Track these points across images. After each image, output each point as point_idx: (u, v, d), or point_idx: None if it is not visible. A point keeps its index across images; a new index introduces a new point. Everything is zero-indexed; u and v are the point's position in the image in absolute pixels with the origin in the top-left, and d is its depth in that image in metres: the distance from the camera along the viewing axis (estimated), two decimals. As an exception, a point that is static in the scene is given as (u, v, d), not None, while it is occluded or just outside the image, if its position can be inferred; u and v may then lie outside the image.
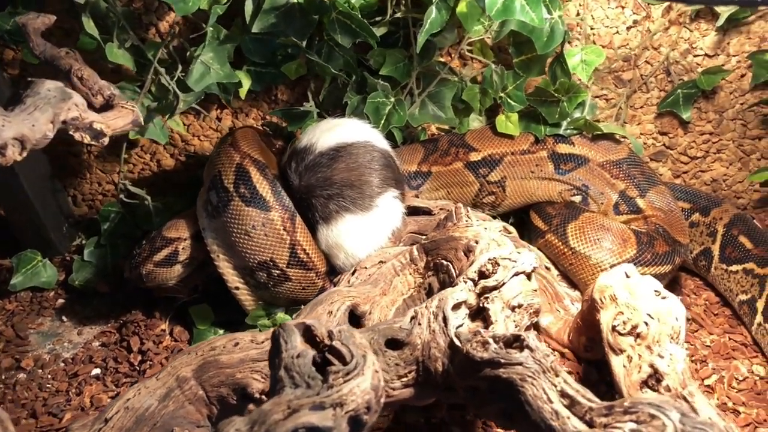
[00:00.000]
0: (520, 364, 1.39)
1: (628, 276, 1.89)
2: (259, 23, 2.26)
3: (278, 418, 1.17)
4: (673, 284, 2.67)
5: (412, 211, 2.44)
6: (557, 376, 1.39)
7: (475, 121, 2.65)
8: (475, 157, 2.56)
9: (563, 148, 2.52)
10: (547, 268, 2.48)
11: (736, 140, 2.74)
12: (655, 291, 1.79)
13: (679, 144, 2.75)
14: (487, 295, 1.84)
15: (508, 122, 2.51)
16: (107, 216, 2.64)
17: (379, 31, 2.27)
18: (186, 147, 2.78)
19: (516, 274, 1.87)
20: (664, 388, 1.62)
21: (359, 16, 2.21)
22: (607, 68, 2.59)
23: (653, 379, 1.64)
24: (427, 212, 2.45)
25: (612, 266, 2.33)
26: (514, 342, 1.46)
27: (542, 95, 2.43)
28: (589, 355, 2.20)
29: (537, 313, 1.91)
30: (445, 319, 1.64)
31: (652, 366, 1.65)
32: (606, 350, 1.79)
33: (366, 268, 2.25)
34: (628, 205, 2.48)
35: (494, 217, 2.66)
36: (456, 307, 1.84)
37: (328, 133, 2.28)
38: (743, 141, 2.75)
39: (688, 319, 2.51)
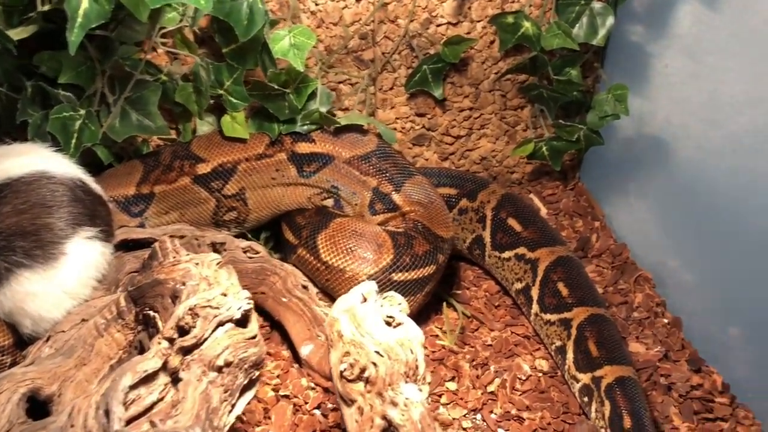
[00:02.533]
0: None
1: (365, 299, 1.57)
2: None
3: None
4: (451, 277, 2.42)
5: (132, 245, 2.00)
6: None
7: (204, 125, 2.23)
8: (203, 169, 2.15)
9: (303, 148, 2.17)
10: (305, 287, 2.13)
11: (497, 113, 2.53)
12: (388, 317, 1.48)
13: (440, 124, 2.50)
14: (188, 357, 1.45)
15: (235, 123, 2.11)
16: None
17: (31, 30, 1.77)
18: None
19: (220, 324, 1.49)
20: (400, 443, 1.31)
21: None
22: (344, 49, 2.26)
23: (389, 434, 1.33)
24: (153, 242, 2.01)
25: (369, 277, 2.02)
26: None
27: (263, 89, 2.05)
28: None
29: (258, 365, 1.53)
30: (107, 412, 1.23)
31: (384, 418, 1.33)
32: (338, 401, 1.46)
33: (64, 331, 1.79)
34: (383, 202, 2.18)
35: (243, 236, 2.27)
36: (149, 379, 1.43)
37: (-14, 168, 1.77)
38: (505, 113, 2.54)
39: (468, 317, 2.27)
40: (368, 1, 2.21)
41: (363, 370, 1.39)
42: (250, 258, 2.13)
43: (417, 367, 1.43)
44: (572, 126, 2.44)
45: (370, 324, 1.45)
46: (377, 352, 1.40)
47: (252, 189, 2.19)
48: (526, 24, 2.22)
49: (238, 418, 1.68)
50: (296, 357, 2.09)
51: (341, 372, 1.42)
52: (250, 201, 2.20)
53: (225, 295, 1.53)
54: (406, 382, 1.39)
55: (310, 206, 2.23)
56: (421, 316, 2.24)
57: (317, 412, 1.95)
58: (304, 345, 2.06)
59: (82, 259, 1.81)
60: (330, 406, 1.96)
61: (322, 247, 2.07)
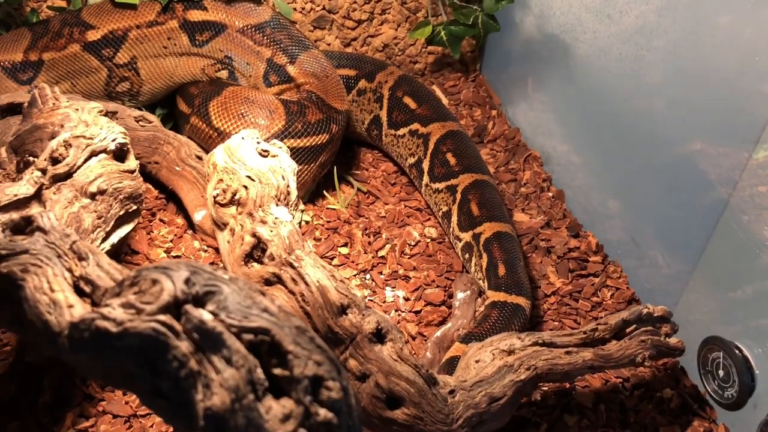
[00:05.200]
0: (26, 251, 1.04)
1: (242, 140, 1.60)
2: None
3: None
4: (351, 159, 2.48)
5: (18, 110, 1.96)
6: (82, 259, 1.05)
7: (95, -5, 2.19)
8: (93, 36, 2.12)
9: (195, 15, 2.16)
10: (198, 158, 2.14)
11: (398, -2, 2.56)
12: (263, 151, 1.52)
13: (341, 6, 2.51)
14: (58, 184, 1.46)
15: (124, -12, 2.08)
16: None
17: None
18: None
19: (93, 154, 1.51)
20: (268, 257, 1.37)
21: None
22: None
23: (258, 250, 1.38)
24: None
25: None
26: (27, 227, 1.10)
27: (150, -52, 2.02)
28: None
29: (135, 198, 1.56)
30: (-30, 221, 1.24)
31: (254, 235, 1.38)
32: (212, 228, 1.50)
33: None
34: (277, 74, 2.20)
35: (139, 109, 2.26)
36: (20, 205, 1.44)
37: None
38: (405, -2, 2.58)
39: (364, 192, 2.34)
40: None
41: (234, 194, 1.44)
42: (143, 126, 2.12)
43: (289, 194, 1.49)
44: (468, 8, 2.49)
45: (243, 153, 1.49)
46: (248, 176, 1.45)
47: (144, 58, 2.17)
48: None
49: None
50: (190, 224, 2.12)
51: (215, 198, 1.45)
52: (143, 71, 2.19)
53: (101, 129, 1.54)
54: (277, 205, 1.44)
55: (204, 78, 2.23)
56: (318, 189, 2.29)
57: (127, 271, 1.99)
58: (197, 211, 2.09)
59: (-39, 113, 1.78)
60: (220, 265, 2.00)
61: (214, 113, 2.09)
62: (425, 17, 2.62)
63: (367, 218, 2.26)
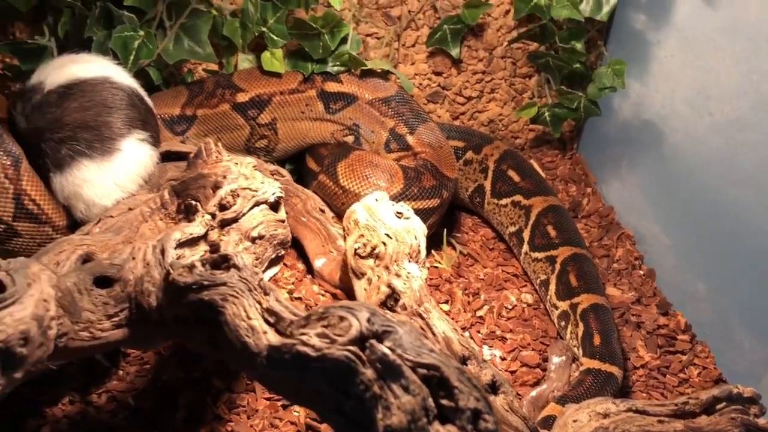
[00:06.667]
0: (224, 284, 1.27)
1: (377, 201, 1.83)
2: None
3: None
4: (452, 223, 2.68)
5: (174, 157, 2.25)
6: (266, 294, 1.28)
7: (245, 62, 2.49)
8: (242, 98, 2.41)
9: (332, 87, 2.43)
10: (322, 211, 2.39)
11: (507, 79, 2.79)
12: (398, 213, 1.74)
13: (454, 84, 2.76)
14: (226, 228, 1.71)
15: (274, 59, 2.38)
16: None
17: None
18: None
19: (257, 204, 1.76)
20: (401, 307, 1.57)
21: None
22: (375, 4, 2.53)
23: (391, 300, 1.59)
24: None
25: (381, 203, 2.28)
26: (223, 263, 1.33)
27: (303, 28, 2.32)
28: (358, 293, 2.14)
29: (284, 244, 1.80)
30: (163, 251, 1.49)
31: (389, 286, 1.59)
32: (350, 276, 1.72)
33: (112, 216, 2.03)
34: (398, 142, 2.44)
35: (273, 164, 2.53)
36: (192, 243, 1.70)
37: (59, 70, 2.02)
38: (514, 80, 2.80)
39: (465, 254, 2.52)
40: (400, -37, 2.48)
41: (374, 248, 1.65)
42: (276, 180, 2.38)
43: (419, 252, 1.69)
44: (573, 94, 2.70)
45: (382, 214, 1.71)
46: (387, 234, 1.66)
47: (283, 120, 2.45)
48: (539, -5, 2.49)
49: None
50: (310, 269, 2.35)
51: (355, 250, 1.67)
52: (281, 131, 2.47)
53: (262, 183, 1.79)
54: (409, 261, 1.65)
55: (332, 141, 2.49)
56: (422, 248, 2.50)
57: (299, 308, 2.20)
58: (317, 258, 2.31)
59: (133, 157, 2.06)
60: (337, 310, 2.21)
61: (342, 173, 2.33)
62: (531, 98, 2.84)
63: (466, 279, 2.44)
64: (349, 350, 1.04)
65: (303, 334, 1.10)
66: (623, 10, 2.68)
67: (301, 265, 2.38)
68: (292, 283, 2.30)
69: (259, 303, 1.25)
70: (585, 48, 2.67)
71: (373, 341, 1.05)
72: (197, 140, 2.45)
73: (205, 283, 1.27)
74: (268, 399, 1.96)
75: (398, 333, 1.07)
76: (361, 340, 1.07)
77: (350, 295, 2.21)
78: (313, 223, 2.35)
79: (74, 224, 2.08)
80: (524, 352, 2.19)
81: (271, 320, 1.24)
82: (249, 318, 1.20)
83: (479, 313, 2.33)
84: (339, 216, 2.41)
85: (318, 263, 2.31)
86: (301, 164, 2.57)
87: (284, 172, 2.41)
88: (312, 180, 2.44)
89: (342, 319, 1.10)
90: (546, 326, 2.30)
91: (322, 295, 2.27)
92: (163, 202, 2.02)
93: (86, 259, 1.85)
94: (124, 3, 2.19)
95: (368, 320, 1.09)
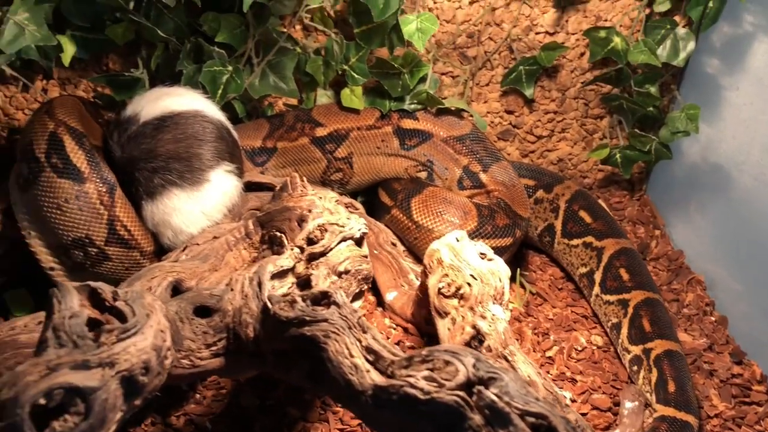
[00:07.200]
0: (326, 320, 1.31)
1: (458, 241, 1.86)
2: (77, -19, 2.09)
3: (32, 379, 1.03)
4: (520, 261, 2.69)
5: (254, 187, 2.33)
6: (365, 332, 1.32)
7: (323, 97, 2.57)
8: (321, 132, 2.48)
9: (408, 124, 2.49)
10: (394, 244, 2.44)
11: (579, 119, 2.81)
12: (481, 254, 1.76)
13: (525, 123, 2.79)
14: (314, 262, 1.76)
15: (353, 96, 2.44)
16: None
17: (208, -7, 2.15)
18: (9, 122, 2.53)
19: (344, 240, 1.81)
20: (486, 348, 1.59)
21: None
22: (452, 44, 2.58)
23: (476, 341, 1.61)
24: (270, 188, 2.33)
25: (455, 240, 2.31)
26: (323, 299, 1.38)
27: (384, 67, 2.38)
28: (431, 328, 2.16)
29: (367, 279, 1.84)
30: (260, 284, 1.54)
31: (474, 327, 1.61)
32: (433, 314, 1.75)
33: (198, 244, 2.11)
34: (471, 179, 2.48)
35: (345, 196, 2.59)
36: (281, 275, 1.75)
37: (154, 102, 2.12)
38: (585, 120, 2.82)
39: (533, 294, 2.53)
40: (479, 4, 2.53)
41: (458, 289, 1.68)
42: (351, 212, 2.44)
43: (503, 294, 1.72)
44: (646, 137, 2.70)
45: (467, 254, 1.74)
46: (472, 275, 1.69)
47: (359, 155, 2.51)
48: (617, 39, 2.51)
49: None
50: (380, 302, 2.38)
51: (439, 289, 1.71)
52: (356, 165, 2.53)
53: (348, 218, 1.84)
54: (494, 303, 1.67)
55: (406, 176, 2.54)
56: (491, 285, 2.51)
57: (396, 347, 2.23)
58: (389, 292, 2.35)
59: (221, 187, 2.14)
60: (408, 344, 2.24)
61: (415, 208, 2.38)
62: (601, 139, 2.85)
63: (536, 318, 2.45)
64: (457, 395, 1.07)
65: (409, 376, 1.13)
66: (697, 55, 2.68)
67: (371, 297, 2.42)
68: (363, 315, 2.34)
69: (359, 341, 1.29)
70: (659, 92, 2.68)
71: (481, 387, 1.08)
72: (276, 172, 2.53)
73: (307, 318, 1.32)
74: (340, 430, 2.00)
75: (504, 380, 1.10)
76: (467, 386, 1.09)
77: (421, 329, 2.26)
78: (385, 257, 2.39)
79: (160, 250, 2.16)
80: (595, 395, 2.18)
81: (371, 358, 1.28)
82: (351, 356, 1.24)
83: (548, 354, 2.33)
84: (410, 250, 2.46)
85: (389, 296, 2.34)
86: (373, 197, 2.63)
87: (358, 204, 2.46)
88: (385, 214, 2.49)
89: (447, 363, 1.13)
90: (616, 369, 2.28)
91: (393, 329, 2.30)
92: (248, 231, 2.09)
93: (176, 285, 1.93)
94: (215, 39, 2.29)
95: (474, 366, 1.11)
